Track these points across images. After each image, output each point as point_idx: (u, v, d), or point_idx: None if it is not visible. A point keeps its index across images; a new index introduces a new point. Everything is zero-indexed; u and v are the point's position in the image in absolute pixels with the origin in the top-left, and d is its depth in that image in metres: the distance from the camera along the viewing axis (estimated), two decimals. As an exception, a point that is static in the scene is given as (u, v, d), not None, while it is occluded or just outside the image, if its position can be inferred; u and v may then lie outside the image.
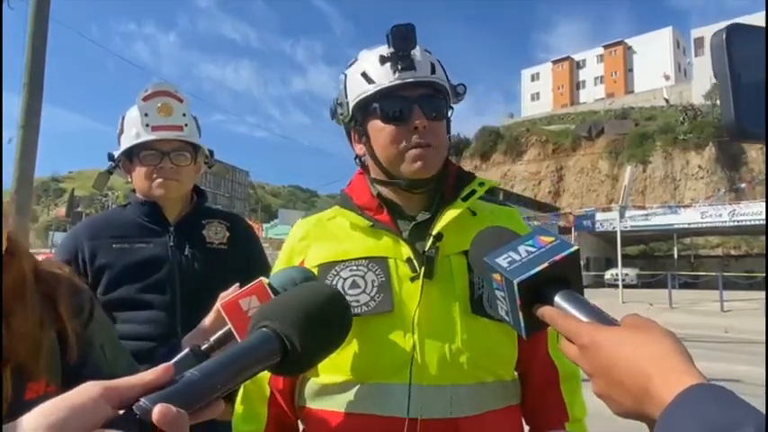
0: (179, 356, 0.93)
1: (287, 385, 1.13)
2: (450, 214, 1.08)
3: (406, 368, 1.00)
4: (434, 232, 1.07)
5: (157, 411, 0.51)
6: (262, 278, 0.96)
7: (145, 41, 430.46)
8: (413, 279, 1.05)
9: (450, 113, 1.16)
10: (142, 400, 0.53)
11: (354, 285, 1.05)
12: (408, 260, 1.06)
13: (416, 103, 1.08)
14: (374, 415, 1.00)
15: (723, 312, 16.30)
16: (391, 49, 1.06)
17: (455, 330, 1.03)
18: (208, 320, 1.03)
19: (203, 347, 0.93)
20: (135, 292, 1.65)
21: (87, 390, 0.52)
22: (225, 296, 0.97)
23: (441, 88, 1.13)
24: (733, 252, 41.76)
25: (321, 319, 0.73)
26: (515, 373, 1.13)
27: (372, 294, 1.04)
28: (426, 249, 1.06)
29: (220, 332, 0.95)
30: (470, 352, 1.03)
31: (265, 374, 1.14)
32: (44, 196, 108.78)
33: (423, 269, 1.04)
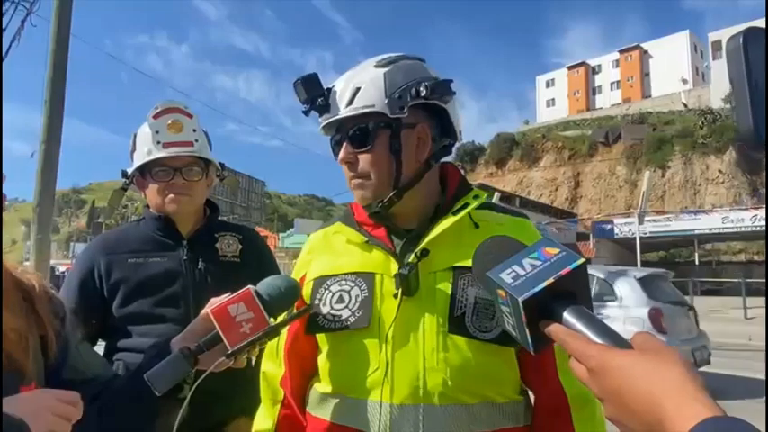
0: (169, 357, 0.98)
1: (296, 388, 1.17)
2: (438, 228, 1.06)
3: (380, 385, 1.01)
4: (419, 248, 1.05)
5: None
6: (249, 286, 1.03)
7: (157, 54, 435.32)
8: (396, 295, 1.04)
9: (397, 128, 1.06)
10: None
11: (340, 300, 1.08)
12: (396, 276, 1.05)
13: (344, 140, 1.10)
14: (352, 428, 1.03)
15: (746, 319, 15.96)
16: (305, 106, 1.10)
17: (430, 348, 1.01)
18: (197, 324, 1.08)
19: (192, 349, 0.99)
20: (150, 306, 1.68)
21: None
22: (215, 302, 1.03)
23: (368, 114, 1.06)
24: (756, 258, 40.82)
25: None
26: (519, 395, 1.08)
27: (354, 310, 1.06)
28: (404, 264, 1.05)
29: (209, 335, 1.01)
30: (447, 372, 1.00)
31: (277, 375, 1.18)
32: (65, 208, 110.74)
33: (401, 286, 1.04)
